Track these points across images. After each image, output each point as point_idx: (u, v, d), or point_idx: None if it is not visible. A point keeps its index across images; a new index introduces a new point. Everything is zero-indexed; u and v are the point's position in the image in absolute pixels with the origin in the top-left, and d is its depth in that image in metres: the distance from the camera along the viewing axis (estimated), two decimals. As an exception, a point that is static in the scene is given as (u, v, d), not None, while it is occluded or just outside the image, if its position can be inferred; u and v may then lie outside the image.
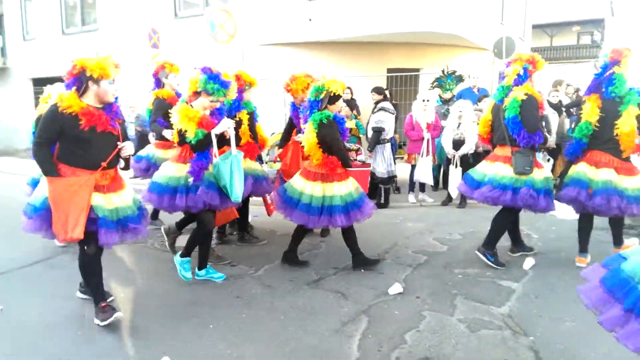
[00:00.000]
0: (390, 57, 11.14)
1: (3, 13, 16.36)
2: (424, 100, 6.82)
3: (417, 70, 11.00)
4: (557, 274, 4.11)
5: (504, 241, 4.99)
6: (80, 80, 3.05)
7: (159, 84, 5.35)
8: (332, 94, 3.95)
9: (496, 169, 4.17)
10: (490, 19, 13.17)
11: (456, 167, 6.68)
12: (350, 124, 6.59)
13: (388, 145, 6.80)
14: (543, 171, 4.19)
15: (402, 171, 7.82)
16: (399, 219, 6.22)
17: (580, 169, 4.16)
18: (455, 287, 3.87)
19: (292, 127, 5.08)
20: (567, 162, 4.43)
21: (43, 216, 3.06)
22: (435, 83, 7.99)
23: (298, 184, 4.13)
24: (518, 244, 4.63)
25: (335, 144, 3.97)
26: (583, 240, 4.36)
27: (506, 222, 4.37)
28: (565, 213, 5.56)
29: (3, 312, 3.46)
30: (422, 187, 7.26)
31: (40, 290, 3.91)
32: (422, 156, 6.77)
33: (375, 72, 10.37)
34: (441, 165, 7.42)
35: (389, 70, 10.85)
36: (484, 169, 4.31)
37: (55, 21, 14.83)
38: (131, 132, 9.29)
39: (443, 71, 7.90)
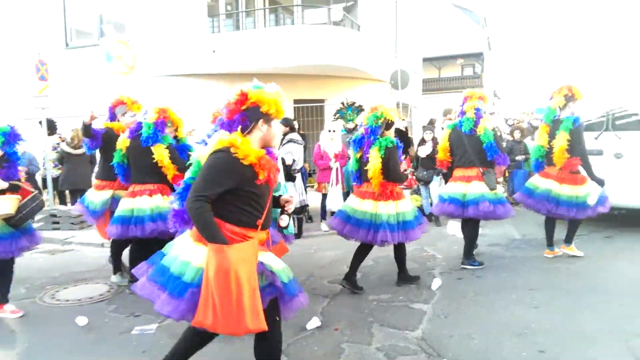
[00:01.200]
0: (296, 88, 11.42)
1: None
2: (330, 131, 7.04)
3: (322, 101, 11.38)
4: (462, 292, 4.37)
5: (411, 263, 5.22)
6: (249, 118, 2.46)
7: (113, 118, 4.95)
8: (388, 121, 4.40)
9: (476, 188, 4.94)
10: (385, 53, 14.12)
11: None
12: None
13: (298, 175, 6.87)
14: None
15: (313, 200, 7.91)
16: (313, 249, 6.25)
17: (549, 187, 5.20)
18: (371, 314, 3.94)
19: None
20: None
21: (196, 295, 2.27)
22: (337, 115, 8.28)
23: (354, 203, 4.52)
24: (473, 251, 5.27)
25: (396, 166, 4.35)
26: (548, 236, 5.41)
27: (477, 229, 5.21)
28: (455, 230, 5.99)
29: None
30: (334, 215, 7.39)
31: None
32: (332, 185, 6.92)
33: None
34: (349, 193, 7.63)
35: (296, 102, 11.10)
36: (461, 189, 5.01)
37: None
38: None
39: (343, 103, 8.22)
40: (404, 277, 4.67)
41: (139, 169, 4.53)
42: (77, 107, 11.13)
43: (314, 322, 3.74)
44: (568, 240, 5.33)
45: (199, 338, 2.56)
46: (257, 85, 2.54)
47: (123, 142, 4.53)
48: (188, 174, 2.51)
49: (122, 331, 3.76)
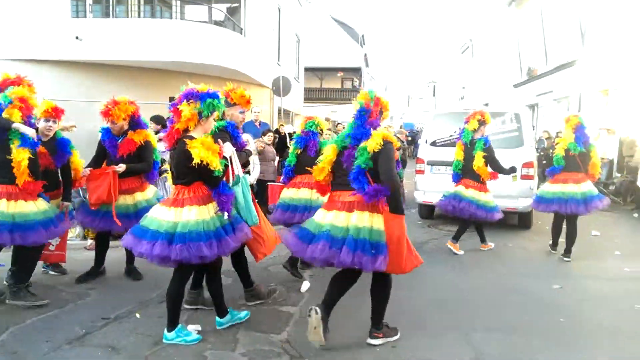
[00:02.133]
0: (172, 86, 10.80)
1: None
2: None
3: (201, 101, 11.00)
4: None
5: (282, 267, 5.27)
6: (380, 117, 3.33)
7: None
8: (321, 129, 5.38)
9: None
10: (268, 59, 14.21)
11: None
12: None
13: (169, 176, 6.52)
14: None
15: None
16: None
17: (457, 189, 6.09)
18: (237, 319, 3.86)
19: (104, 155, 4.64)
20: None
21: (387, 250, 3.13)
22: (216, 117, 8.11)
23: (290, 193, 5.32)
24: None
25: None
26: (479, 234, 6.44)
27: None
28: None
29: None
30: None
31: None
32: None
33: (155, 99, 9.93)
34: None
35: (172, 100, 10.56)
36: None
37: None
38: None
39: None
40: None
41: None
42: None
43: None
44: (456, 238, 6.26)
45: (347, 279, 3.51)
46: (372, 90, 3.39)
47: None
48: (359, 160, 3.15)
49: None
